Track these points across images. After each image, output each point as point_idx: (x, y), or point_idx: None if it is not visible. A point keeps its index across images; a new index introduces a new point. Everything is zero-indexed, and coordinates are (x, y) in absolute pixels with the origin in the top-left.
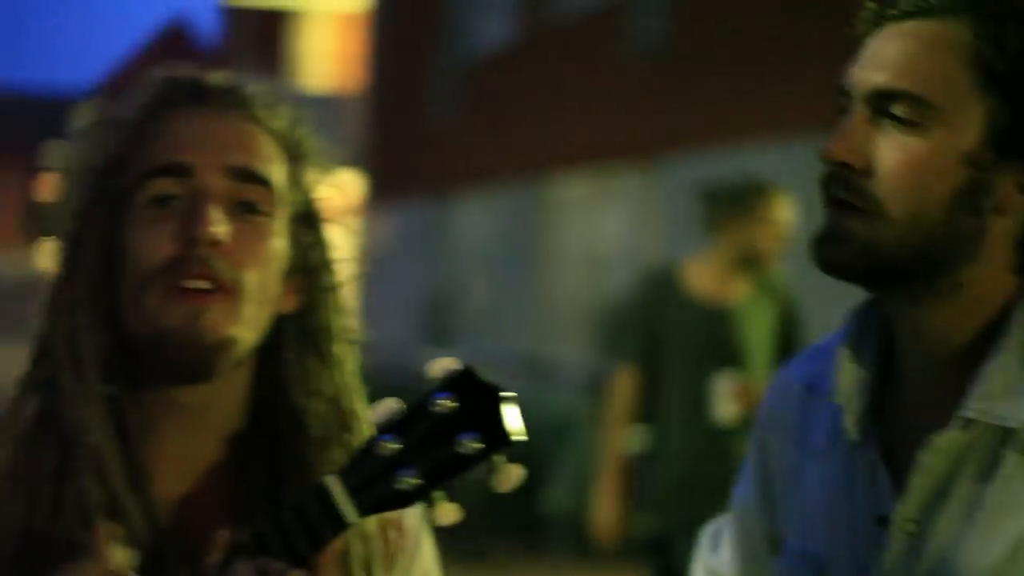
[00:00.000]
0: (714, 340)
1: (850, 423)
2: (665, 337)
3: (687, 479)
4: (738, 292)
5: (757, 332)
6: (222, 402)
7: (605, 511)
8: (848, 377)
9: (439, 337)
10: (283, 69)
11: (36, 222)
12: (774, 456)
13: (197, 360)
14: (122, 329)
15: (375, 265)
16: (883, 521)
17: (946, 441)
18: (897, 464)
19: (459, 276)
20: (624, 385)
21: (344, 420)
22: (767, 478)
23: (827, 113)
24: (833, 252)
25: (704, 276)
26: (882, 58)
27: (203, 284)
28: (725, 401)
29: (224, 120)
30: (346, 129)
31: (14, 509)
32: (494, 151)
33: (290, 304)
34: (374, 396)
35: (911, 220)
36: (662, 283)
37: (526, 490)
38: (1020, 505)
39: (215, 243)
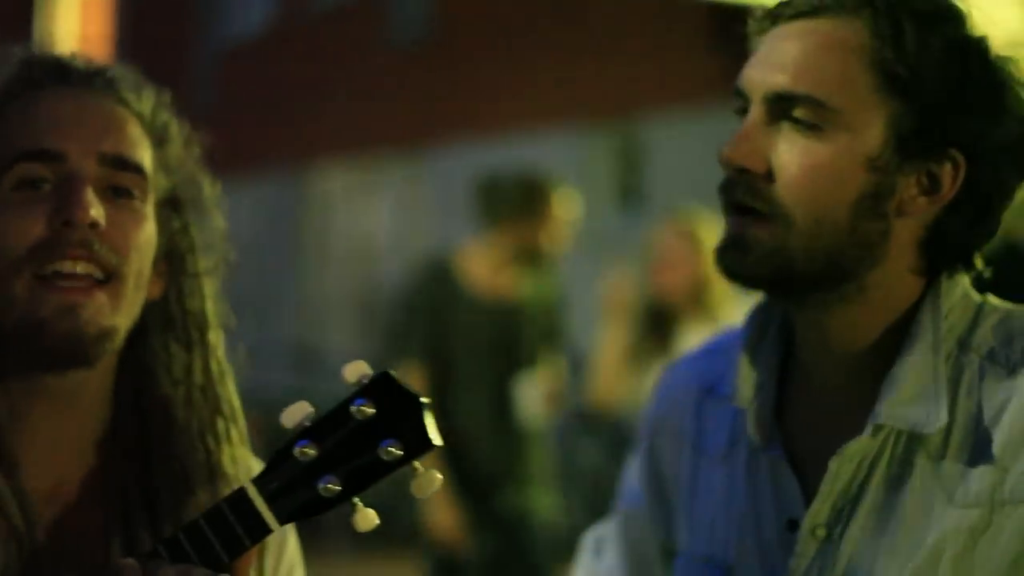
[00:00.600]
0: (502, 335)
1: (753, 428)
2: (450, 331)
3: (485, 476)
4: (518, 285)
5: (537, 325)
6: (91, 388)
7: (438, 512)
8: (748, 381)
9: None
10: (28, 41)
11: None
12: (666, 461)
13: (75, 350)
14: None
15: None
16: (793, 525)
17: (857, 448)
18: (802, 467)
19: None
20: (411, 379)
21: (214, 406)
22: (659, 483)
23: (590, 104)
24: (738, 260)
25: (482, 268)
26: (780, 59)
27: (79, 267)
28: (532, 401)
29: (93, 103)
30: None
31: None
32: (256, 139)
33: (155, 290)
34: None
35: (815, 226)
36: (439, 275)
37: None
38: (933, 513)
39: (94, 225)
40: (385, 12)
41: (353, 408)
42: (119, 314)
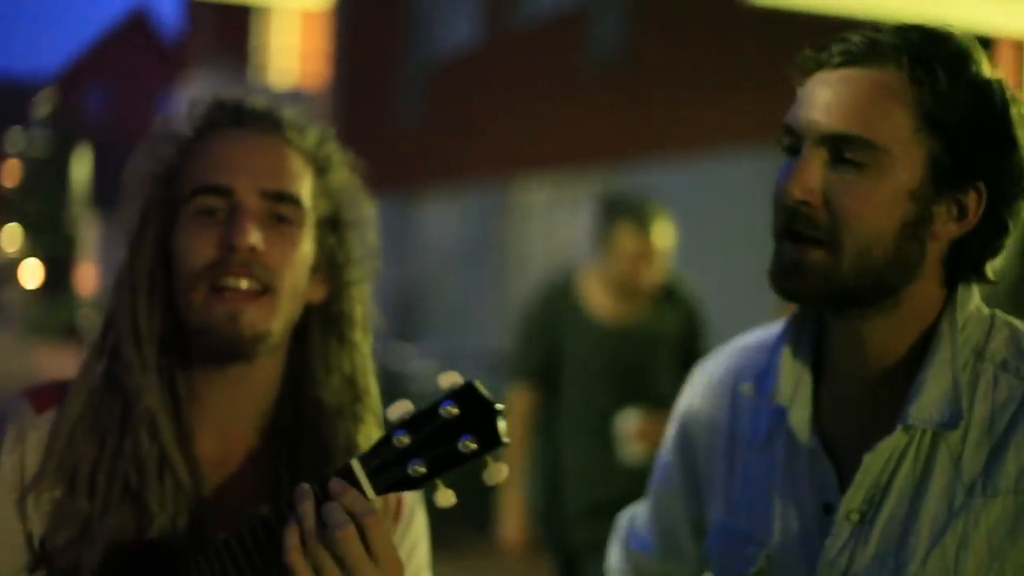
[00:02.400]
0: (612, 363)
1: (798, 423)
2: (562, 354)
3: (590, 501)
4: (637, 310)
5: (659, 347)
6: (257, 376)
7: (509, 525)
8: (789, 381)
9: (406, 332)
10: (246, 64)
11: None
12: (700, 449)
13: (236, 349)
14: (176, 313)
15: None
16: (828, 508)
17: (887, 444)
18: (834, 456)
19: (426, 274)
20: (520, 400)
21: (357, 394)
22: (692, 467)
23: (775, 126)
24: (796, 284)
25: (599, 290)
26: (831, 103)
27: (242, 283)
28: (630, 441)
29: (261, 143)
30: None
31: (86, 450)
32: (459, 152)
33: (317, 295)
34: None
35: (864, 251)
36: (560, 294)
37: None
38: (954, 503)
39: (252, 249)
40: (584, 30)
41: (442, 408)
42: (273, 320)
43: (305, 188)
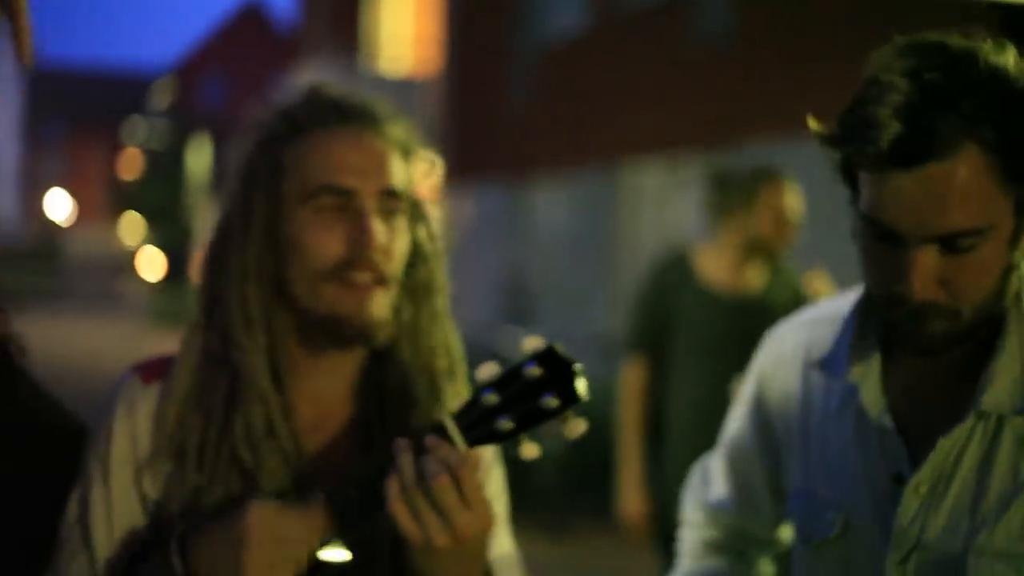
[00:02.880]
0: (725, 332)
1: (870, 401)
2: (676, 324)
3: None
4: (750, 281)
5: (771, 322)
6: (352, 359)
7: (630, 506)
8: (860, 360)
9: (518, 317)
10: (359, 51)
11: (119, 198)
12: (774, 413)
13: (364, 335)
14: (280, 295)
15: (454, 247)
16: (898, 479)
17: (963, 429)
18: (902, 428)
19: (537, 258)
20: (634, 372)
21: (442, 357)
22: (766, 430)
23: None
24: (927, 346)
25: (716, 263)
26: (934, 205)
27: (368, 277)
28: None
29: (370, 144)
30: (423, 112)
31: (194, 425)
32: (569, 137)
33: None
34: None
35: (980, 309)
36: (674, 267)
37: (606, 466)
38: (1019, 479)
39: (377, 248)
40: (692, 11)
41: (525, 369)
42: (390, 306)
43: (403, 179)
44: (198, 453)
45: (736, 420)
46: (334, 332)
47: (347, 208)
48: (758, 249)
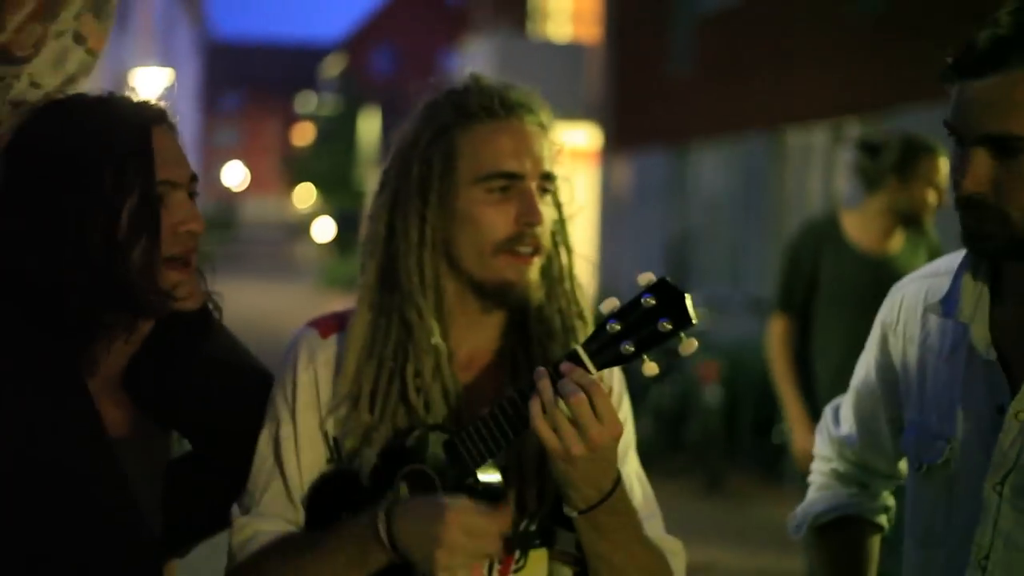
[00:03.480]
0: (869, 288)
1: (979, 338)
2: (822, 281)
3: None
4: (895, 244)
5: None
6: (499, 308)
7: (800, 442)
8: (970, 302)
9: (680, 282)
10: (524, 19)
11: (291, 168)
12: (896, 354)
13: (522, 297)
14: (456, 264)
15: (615, 213)
16: (1001, 409)
17: None
18: (1006, 364)
19: (697, 223)
20: (778, 328)
21: (574, 302)
22: (889, 370)
23: None
24: (981, 245)
25: (862, 227)
26: (987, 108)
27: (529, 250)
28: None
29: (528, 132)
30: (586, 78)
31: (368, 373)
32: (730, 102)
33: None
34: None
35: None
36: (822, 229)
37: (762, 424)
38: None
39: (540, 224)
40: None
41: (642, 300)
42: (539, 268)
43: (552, 161)
44: (371, 397)
45: (862, 365)
46: (499, 296)
47: (514, 189)
48: (909, 219)
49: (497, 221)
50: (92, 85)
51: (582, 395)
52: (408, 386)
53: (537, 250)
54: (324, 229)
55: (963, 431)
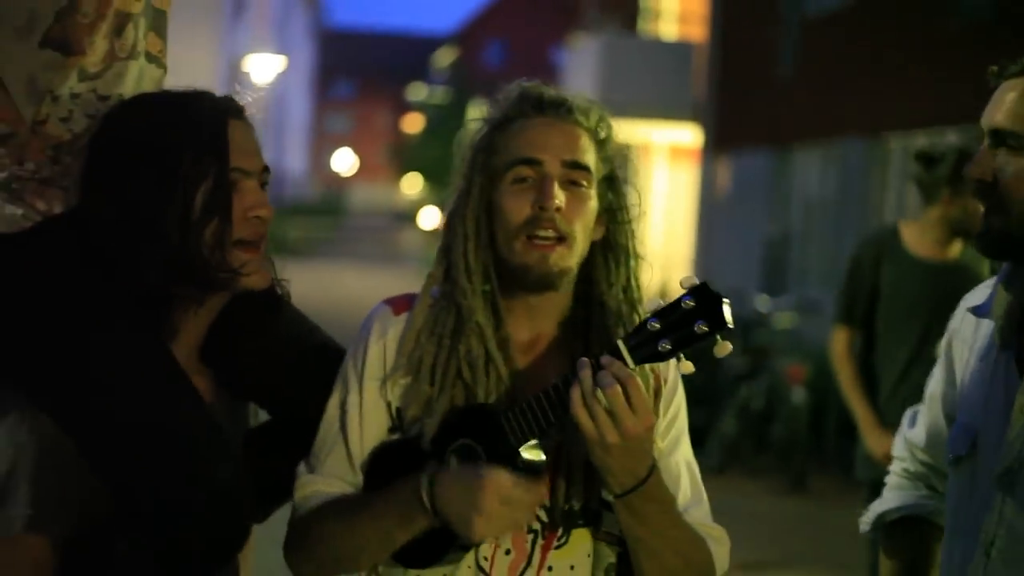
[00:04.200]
0: (933, 291)
1: (996, 335)
2: (883, 291)
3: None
4: (953, 252)
5: (971, 285)
6: (556, 299)
7: (874, 446)
8: (1001, 304)
9: (775, 283)
10: (633, 17)
11: (400, 156)
12: (956, 358)
13: (547, 282)
14: (495, 251)
15: (715, 212)
16: (1013, 405)
17: None
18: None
19: (796, 225)
20: (840, 338)
21: (631, 300)
22: (951, 373)
23: None
24: (986, 244)
25: (920, 237)
26: (999, 105)
27: (550, 233)
28: None
29: (559, 126)
30: (691, 77)
31: (428, 349)
32: (831, 106)
33: (599, 233)
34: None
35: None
36: (883, 239)
37: (847, 427)
38: None
39: (557, 209)
40: None
41: (682, 302)
42: (571, 259)
43: (591, 158)
44: (431, 371)
45: (935, 369)
46: (522, 279)
47: (535, 177)
48: (962, 230)
49: (516, 206)
50: (207, 74)
51: (618, 387)
52: (462, 364)
53: (561, 237)
54: (429, 217)
55: (986, 425)
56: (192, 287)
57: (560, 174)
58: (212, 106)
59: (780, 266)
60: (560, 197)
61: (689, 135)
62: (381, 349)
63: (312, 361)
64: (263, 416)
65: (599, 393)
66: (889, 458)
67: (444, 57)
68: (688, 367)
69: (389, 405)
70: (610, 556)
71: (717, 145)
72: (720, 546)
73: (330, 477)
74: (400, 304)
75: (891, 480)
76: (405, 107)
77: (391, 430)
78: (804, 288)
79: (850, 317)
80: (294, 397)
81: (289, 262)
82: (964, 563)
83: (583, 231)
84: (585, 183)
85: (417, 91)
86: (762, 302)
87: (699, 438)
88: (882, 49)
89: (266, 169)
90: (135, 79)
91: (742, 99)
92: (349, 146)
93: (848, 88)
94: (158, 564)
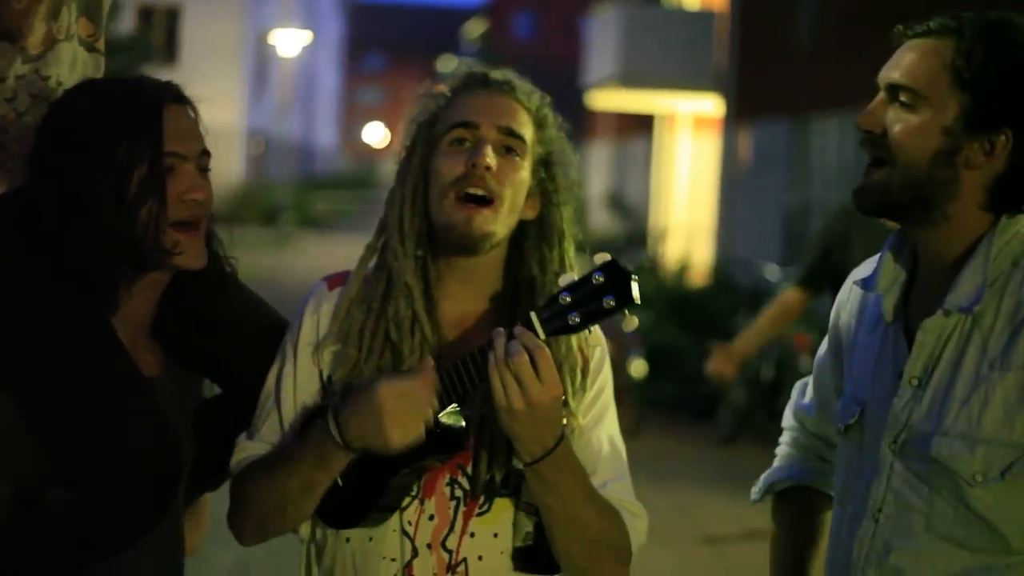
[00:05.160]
0: None
1: (887, 307)
2: (851, 262)
3: None
4: None
5: None
6: (485, 267)
7: (715, 363)
8: (888, 277)
9: (795, 253)
10: None
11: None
12: (842, 330)
13: (468, 244)
14: (429, 218)
15: (736, 182)
16: (901, 374)
17: (933, 324)
18: (913, 336)
19: (816, 195)
20: (792, 296)
21: (557, 276)
22: (837, 345)
23: None
24: (864, 198)
25: None
26: (897, 62)
27: (479, 191)
28: None
29: (499, 98)
30: (714, 47)
31: (357, 315)
32: (850, 75)
33: (530, 213)
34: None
35: (907, 167)
36: (853, 215)
37: None
38: (981, 374)
39: (488, 168)
40: None
41: (593, 277)
42: (495, 223)
43: (528, 132)
44: (359, 336)
45: (823, 343)
46: (448, 239)
47: (470, 140)
48: None
49: (450, 164)
50: (234, 48)
51: (525, 356)
52: (389, 325)
53: (491, 197)
54: None
55: (873, 395)
56: (128, 266)
57: (495, 139)
58: (149, 92)
59: (799, 236)
60: (492, 158)
61: (712, 105)
62: (315, 321)
63: (257, 336)
64: (217, 390)
65: (509, 361)
66: (716, 376)
67: (474, 29)
68: (633, 322)
69: (321, 373)
70: (528, 525)
71: (739, 115)
72: (637, 520)
73: (264, 443)
74: (335, 280)
75: (781, 450)
76: (435, 79)
77: (323, 397)
78: None
79: (807, 284)
80: (240, 371)
81: (318, 236)
82: (853, 529)
83: (512, 198)
84: (519, 153)
85: (447, 63)
86: (771, 271)
87: (710, 408)
88: (901, 17)
89: (205, 152)
90: (70, 61)
91: (762, 69)
92: (380, 119)
93: (866, 56)
94: (94, 522)
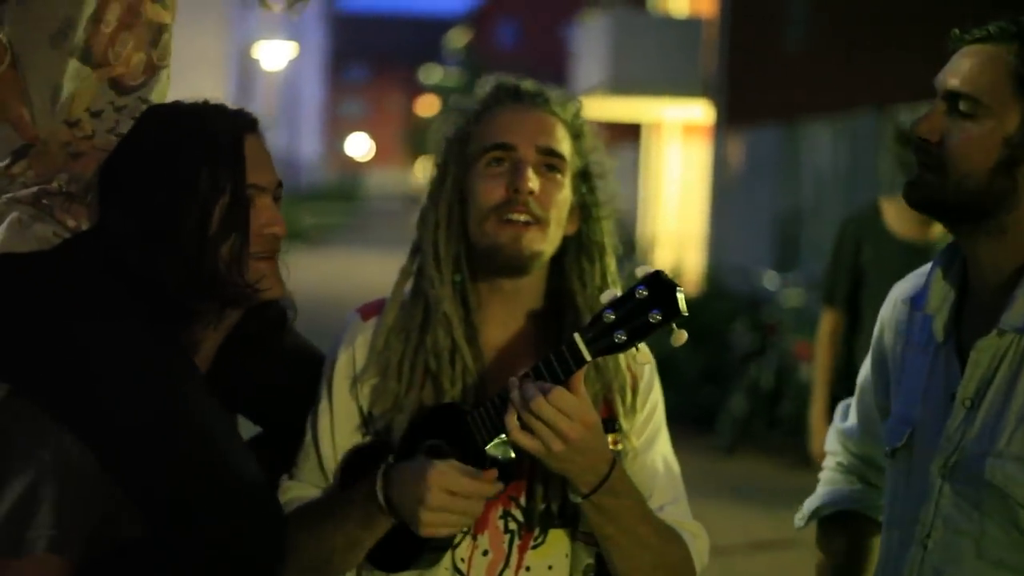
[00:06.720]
0: (910, 271)
1: (937, 327)
2: (867, 272)
3: None
4: (935, 231)
5: None
6: (528, 288)
7: (817, 444)
8: (938, 295)
9: (787, 259)
10: None
11: (415, 140)
12: (887, 349)
13: (516, 264)
14: (468, 240)
15: (727, 188)
16: (953, 396)
17: (986, 344)
18: (966, 356)
19: (807, 200)
20: (828, 323)
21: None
22: (882, 364)
23: None
24: (913, 194)
25: (900, 215)
26: (956, 69)
27: (523, 217)
28: None
29: (535, 114)
30: (702, 54)
31: (396, 347)
32: (840, 80)
33: (572, 228)
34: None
35: (963, 177)
36: (864, 220)
37: None
38: None
39: (531, 192)
40: None
41: (637, 292)
42: (543, 242)
43: (566, 147)
44: (398, 367)
45: (865, 362)
46: (492, 261)
47: (508, 161)
48: None
49: (489, 188)
50: (218, 61)
51: (540, 399)
52: (429, 357)
53: (535, 219)
54: None
55: (923, 416)
56: (210, 302)
57: (534, 160)
58: (228, 120)
59: (791, 242)
60: (534, 181)
61: (701, 112)
62: (350, 355)
63: (306, 376)
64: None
65: (529, 407)
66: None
67: (457, 39)
68: (681, 337)
69: (361, 409)
70: (587, 557)
71: (729, 121)
72: (698, 540)
73: (306, 484)
74: (369, 310)
75: (824, 475)
76: (419, 90)
77: (364, 434)
78: (815, 263)
79: (831, 298)
80: (290, 406)
81: (304, 251)
82: (901, 555)
83: (557, 217)
84: (559, 171)
85: (431, 73)
86: (770, 279)
87: (709, 417)
88: (890, 22)
89: (279, 184)
90: (164, 86)
91: (752, 75)
92: (364, 130)
93: (858, 61)
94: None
